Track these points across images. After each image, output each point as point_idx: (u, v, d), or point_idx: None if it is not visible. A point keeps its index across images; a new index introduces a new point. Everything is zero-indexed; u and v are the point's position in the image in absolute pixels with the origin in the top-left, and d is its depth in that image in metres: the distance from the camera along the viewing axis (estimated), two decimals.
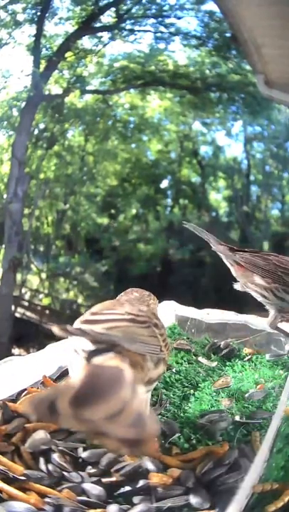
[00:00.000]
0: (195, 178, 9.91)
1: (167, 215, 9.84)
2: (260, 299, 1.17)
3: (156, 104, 8.95)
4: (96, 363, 0.60)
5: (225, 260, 1.24)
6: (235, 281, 1.23)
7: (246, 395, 0.92)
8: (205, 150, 9.91)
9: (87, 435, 0.61)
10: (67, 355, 0.70)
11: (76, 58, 7.89)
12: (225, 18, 3.27)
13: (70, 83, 7.93)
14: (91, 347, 0.64)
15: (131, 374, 0.56)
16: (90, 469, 0.69)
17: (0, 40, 7.05)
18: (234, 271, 1.22)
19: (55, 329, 0.59)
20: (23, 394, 0.86)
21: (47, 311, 8.52)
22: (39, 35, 7.28)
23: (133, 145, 9.41)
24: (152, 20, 7.78)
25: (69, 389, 0.50)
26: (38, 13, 7.20)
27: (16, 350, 6.94)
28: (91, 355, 0.63)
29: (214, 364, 1.09)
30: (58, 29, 7.45)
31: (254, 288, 1.16)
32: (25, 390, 0.87)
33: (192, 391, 0.96)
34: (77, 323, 0.68)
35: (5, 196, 7.43)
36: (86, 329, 0.62)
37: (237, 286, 1.23)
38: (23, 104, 7.43)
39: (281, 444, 0.72)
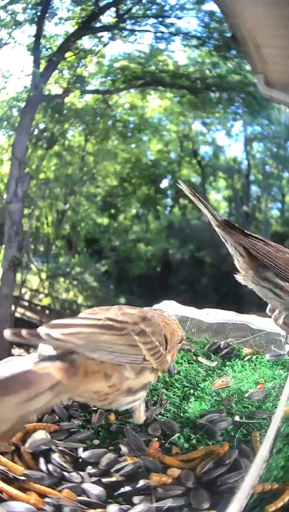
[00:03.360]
0: (195, 178, 9.93)
1: (167, 215, 9.85)
2: (269, 295, 1.06)
3: (156, 104, 8.96)
4: (31, 368, 0.60)
5: (231, 247, 1.06)
6: (235, 274, 1.10)
7: (246, 395, 0.92)
8: (205, 150, 9.94)
9: None
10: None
11: (76, 58, 7.90)
12: (225, 19, 3.28)
13: (70, 83, 7.94)
14: (51, 352, 0.63)
15: (49, 383, 0.58)
16: (90, 469, 0.69)
17: (0, 40, 7.06)
18: (242, 262, 1.06)
19: (7, 333, 0.58)
20: None
21: (47, 311, 8.52)
22: (39, 35, 7.29)
23: (133, 145, 9.42)
24: (152, 20, 7.80)
25: None
26: (38, 13, 7.21)
27: (16, 351, 6.94)
28: (41, 359, 0.63)
29: (214, 364, 1.09)
30: (58, 29, 7.48)
31: (265, 284, 1.04)
32: None
33: (192, 391, 0.96)
34: (41, 327, 0.64)
35: (5, 196, 7.43)
36: (42, 334, 0.61)
37: (240, 279, 1.09)
38: (23, 104, 7.44)
39: (281, 444, 0.72)
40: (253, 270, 1.05)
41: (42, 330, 0.61)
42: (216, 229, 1.07)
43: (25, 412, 0.56)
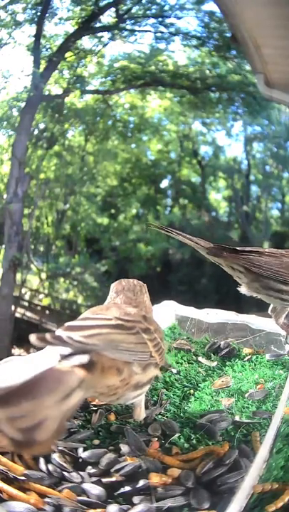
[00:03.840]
0: (195, 178, 9.93)
1: (167, 215, 9.84)
2: (277, 302, 1.06)
3: (156, 104, 8.96)
4: (55, 366, 0.61)
5: (227, 268, 1.06)
6: (238, 287, 1.10)
7: (246, 395, 0.92)
8: (205, 150, 9.93)
9: None
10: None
11: (76, 58, 7.90)
12: (225, 19, 3.28)
13: (70, 83, 7.94)
14: (70, 350, 0.64)
15: (76, 381, 0.59)
16: (90, 469, 0.69)
17: (0, 40, 7.06)
18: (244, 277, 1.06)
19: (33, 338, 0.59)
20: None
21: (47, 311, 8.52)
22: (39, 35, 7.29)
23: (133, 145, 9.42)
24: (152, 21, 7.79)
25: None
26: (38, 13, 7.20)
27: (16, 351, 6.94)
28: (63, 358, 0.64)
29: (214, 364, 1.09)
30: (58, 29, 7.47)
31: (271, 293, 1.04)
32: None
33: (192, 391, 0.96)
34: (59, 330, 0.66)
35: (5, 196, 7.43)
36: (64, 337, 0.62)
37: (243, 291, 1.09)
38: (23, 104, 7.44)
39: (281, 444, 0.72)
40: (255, 282, 1.05)
41: (63, 333, 0.63)
42: (208, 256, 1.06)
43: (65, 409, 0.57)
